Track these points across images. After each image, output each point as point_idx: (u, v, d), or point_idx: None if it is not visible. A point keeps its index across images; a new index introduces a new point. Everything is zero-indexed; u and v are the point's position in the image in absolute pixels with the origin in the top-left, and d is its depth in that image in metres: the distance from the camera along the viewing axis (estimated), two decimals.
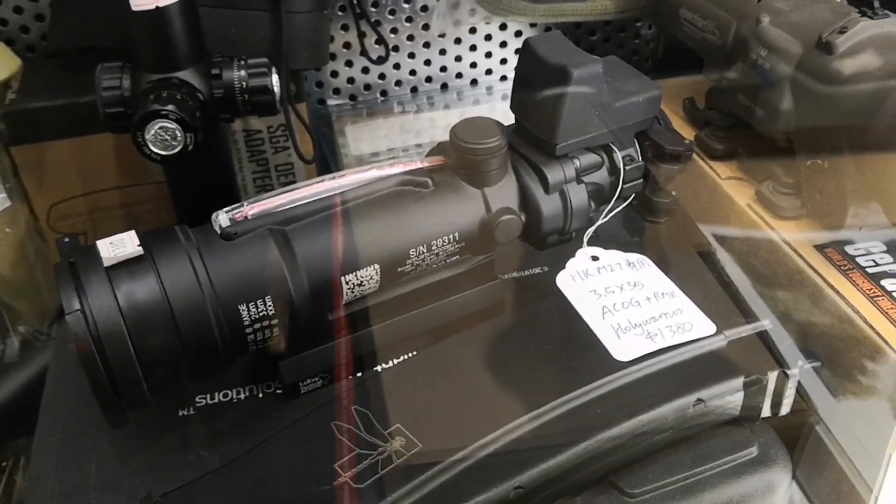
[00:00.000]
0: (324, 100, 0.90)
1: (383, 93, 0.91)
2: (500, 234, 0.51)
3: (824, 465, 0.54)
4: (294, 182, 0.77)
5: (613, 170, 0.55)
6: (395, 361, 0.53)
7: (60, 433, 0.50)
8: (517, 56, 0.90)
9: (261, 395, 0.52)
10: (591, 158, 0.54)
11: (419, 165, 0.52)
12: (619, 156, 0.54)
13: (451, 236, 0.51)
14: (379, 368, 0.53)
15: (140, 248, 0.44)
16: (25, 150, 0.69)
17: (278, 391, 0.52)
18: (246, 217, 0.47)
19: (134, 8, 0.56)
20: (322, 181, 0.50)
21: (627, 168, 0.55)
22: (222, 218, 0.47)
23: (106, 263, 0.44)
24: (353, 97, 0.91)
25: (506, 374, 0.50)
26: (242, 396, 0.52)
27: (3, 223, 0.66)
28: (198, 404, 0.51)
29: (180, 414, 0.51)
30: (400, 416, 0.47)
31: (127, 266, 0.44)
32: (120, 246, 0.45)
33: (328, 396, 0.51)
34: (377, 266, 0.49)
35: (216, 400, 0.51)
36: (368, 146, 0.84)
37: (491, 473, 0.44)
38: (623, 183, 0.55)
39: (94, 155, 0.70)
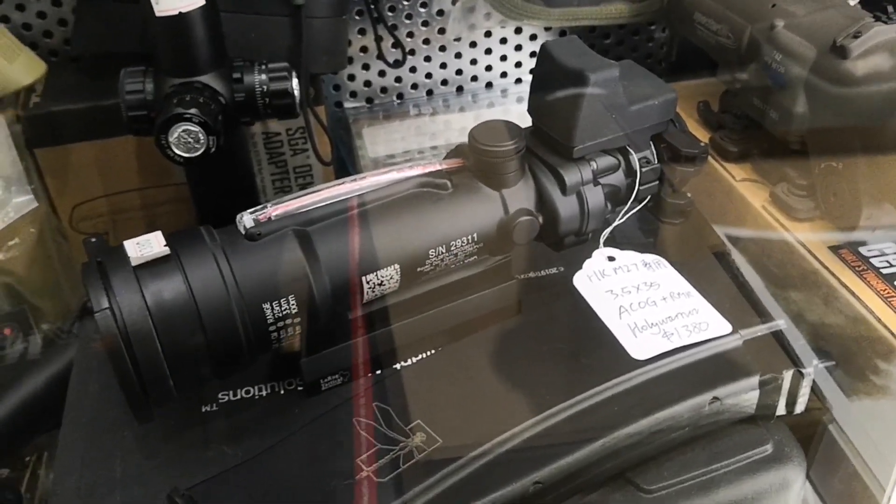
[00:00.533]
0: (341, 102, 0.91)
1: (399, 96, 0.92)
2: (517, 235, 0.52)
3: (838, 464, 0.55)
4: (312, 184, 0.78)
5: (629, 172, 0.55)
6: (414, 360, 0.54)
7: (85, 429, 0.51)
8: (532, 59, 0.92)
9: (282, 392, 0.52)
10: (607, 161, 0.55)
11: (438, 167, 0.53)
12: (635, 158, 0.55)
13: (469, 237, 0.52)
14: (398, 366, 0.53)
15: (167, 248, 0.45)
16: (49, 153, 0.71)
17: (299, 388, 0.52)
18: (270, 218, 0.48)
19: (157, 13, 0.57)
20: (343, 183, 0.51)
21: (643, 170, 0.55)
22: (247, 219, 0.48)
23: (133, 263, 0.45)
24: (369, 100, 0.92)
25: (524, 371, 0.51)
26: (264, 393, 0.52)
27: (28, 223, 0.67)
28: (220, 401, 0.52)
29: (203, 410, 0.51)
30: (420, 413, 0.48)
31: (154, 266, 0.45)
32: (147, 246, 0.46)
33: (348, 394, 0.52)
34: (397, 266, 0.50)
35: (238, 397, 0.52)
36: (384, 148, 0.84)
37: (511, 468, 0.44)
38: (639, 185, 0.55)
39: (115, 157, 0.72)
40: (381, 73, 0.90)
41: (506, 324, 0.55)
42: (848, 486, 0.55)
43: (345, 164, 0.83)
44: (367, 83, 0.91)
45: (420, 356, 0.54)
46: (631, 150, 0.55)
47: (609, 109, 0.53)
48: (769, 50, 0.62)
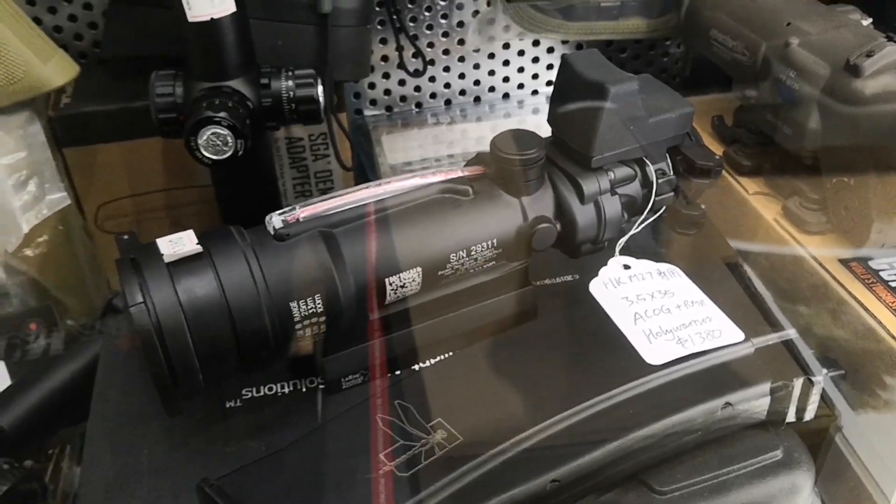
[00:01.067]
0: (361, 110, 0.93)
1: (418, 104, 0.94)
2: (536, 242, 0.53)
3: (844, 473, 0.56)
4: (332, 188, 0.80)
5: (646, 182, 0.57)
6: (433, 361, 0.55)
7: (112, 421, 0.52)
8: (549, 71, 0.94)
9: (304, 390, 0.54)
10: (624, 171, 0.56)
11: (460, 174, 0.55)
12: (651, 169, 0.56)
13: (489, 242, 0.53)
14: (417, 367, 0.55)
15: (199, 246, 0.47)
16: (77, 152, 0.72)
17: (321, 386, 0.54)
18: (298, 220, 0.50)
19: (190, 19, 0.59)
20: (368, 187, 0.53)
21: (659, 181, 0.57)
22: (276, 220, 0.50)
23: (166, 260, 0.46)
24: (388, 108, 0.94)
25: (542, 373, 0.52)
26: (286, 390, 0.54)
27: (56, 221, 0.68)
28: (244, 396, 0.53)
29: (227, 405, 0.53)
30: (441, 411, 0.49)
31: (186, 263, 0.46)
32: (179, 244, 0.47)
33: (369, 392, 0.53)
34: (419, 269, 0.51)
35: (262, 393, 0.54)
36: (402, 156, 0.86)
37: (530, 466, 0.46)
38: (655, 195, 0.57)
39: (141, 158, 0.74)
40: (401, 83, 0.92)
41: (524, 328, 0.56)
42: (853, 494, 0.56)
43: (364, 169, 0.84)
44: (387, 92, 0.92)
45: (438, 358, 0.55)
46: (648, 162, 0.57)
47: (627, 121, 0.54)
48: (783, 67, 0.63)
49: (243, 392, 0.54)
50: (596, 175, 0.55)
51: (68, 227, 0.70)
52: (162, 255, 0.47)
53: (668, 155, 0.58)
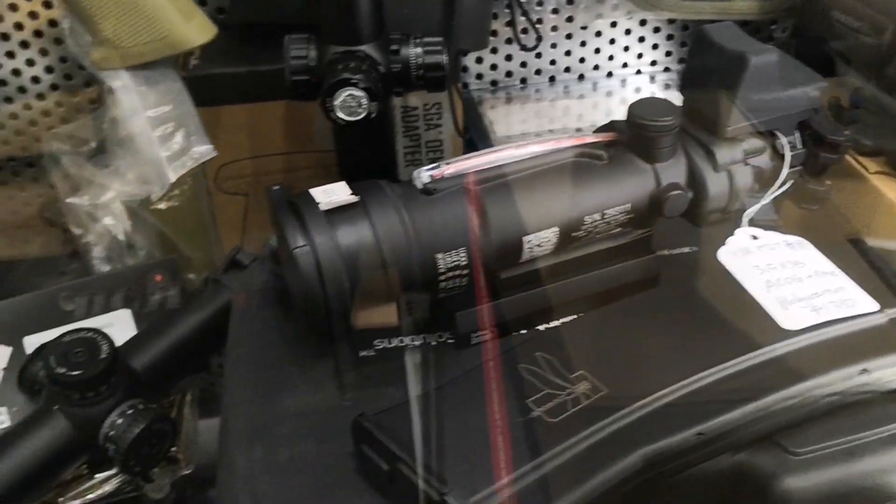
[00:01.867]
0: (467, 84, 0.94)
1: (523, 80, 0.95)
2: (668, 208, 0.54)
3: None
4: (442, 158, 0.81)
5: (776, 154, 0.58)
6: (559, 322, 0.56)
7: (249, 369, 0.54)
8: (653, 51, 0.94)
9: (433, 344, 0.55)
10: (756, 142, 0.57)
11: (595, 139, 0.56)
12: (784, 141, 0.57)
13: (623, 207, 0.54)
14: (543, 328, 0.56)
15: (354, 196, 0.49)
16: (203, 113, 0.74)
17: (449, 341, 0.55)
18: (443, 176, 0.51)
19: None
20: (507, 148, 0.54)
21: (790, 154, 0.57)
22: (424, 175, 0.51)
23: (322, 207, 0.48)
24: (493, 83, 0.95)
25: (681, 334, 0.53)
26: (417, 343, 0.55)
27: (189, 175, 0.70)
28: (376, 347, 0.55)
29: (361, 354, 0.55)
30: (583, 364, 0.50)
31: (342, 211, 0.48)
32: (333, 193, 0.50)
33: (497, 349, 0.54)
34: (556, 229, 0.53)
35: (393, 345, 0.55)
36: (505, 129, 0.88)
37: (676, 418, 0.47)
38: (787, 168, 0.57)
39: (263, 121, 0.76)
40: (508, 58, 0.93)
41: (654, 292, 0.57)
42: None
43: (472, 141, 0.86)
44: (493, 66, 0.94)
45: (564, 319, 0.57)
46: (779, 134, 0.57)
47: (764, 93, 0.55)
48: None
49: (375, 343, 0.55)
50: (729, 144, 0.56)
51: (197, 184, 0.73)
52: (318, 203, 0.49)
53: (797, 128, 0.58)
